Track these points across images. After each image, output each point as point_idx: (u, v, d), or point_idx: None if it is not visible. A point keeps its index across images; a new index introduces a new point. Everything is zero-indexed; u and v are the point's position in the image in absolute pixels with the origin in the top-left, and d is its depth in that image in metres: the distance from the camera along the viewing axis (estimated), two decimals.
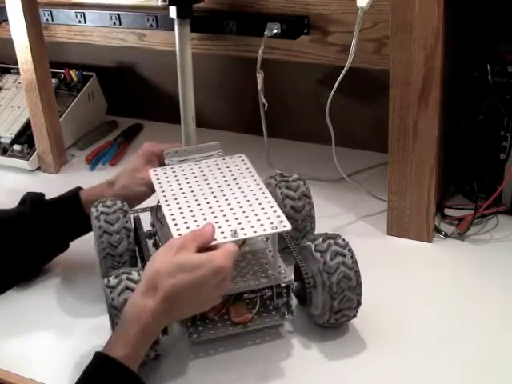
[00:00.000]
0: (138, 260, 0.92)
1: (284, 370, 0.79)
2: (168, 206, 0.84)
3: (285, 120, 1.31)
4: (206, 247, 0.76)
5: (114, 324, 0.76)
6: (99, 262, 0.91)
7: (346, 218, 0.94)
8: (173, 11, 1.02)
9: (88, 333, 0.87)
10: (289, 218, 0.89)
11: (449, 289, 0.91)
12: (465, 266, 0.95)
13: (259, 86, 1.11)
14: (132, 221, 0.94)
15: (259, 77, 1.10)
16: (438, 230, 1.02)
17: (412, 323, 0.85)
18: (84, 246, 0.98)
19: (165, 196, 0.86)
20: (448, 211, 1.06)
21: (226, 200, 0.84)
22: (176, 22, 1.02)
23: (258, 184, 0.87)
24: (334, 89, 0.99)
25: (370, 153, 1.23)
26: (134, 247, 0.90)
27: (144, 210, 0.90)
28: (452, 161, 1.07)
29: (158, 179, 0.90)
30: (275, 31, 1.12)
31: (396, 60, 0.90)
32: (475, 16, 0.99)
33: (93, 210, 0.91)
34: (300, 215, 0.92)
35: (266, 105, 1.13)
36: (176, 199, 0.85)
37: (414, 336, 0.83)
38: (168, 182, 0.89)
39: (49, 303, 0.94)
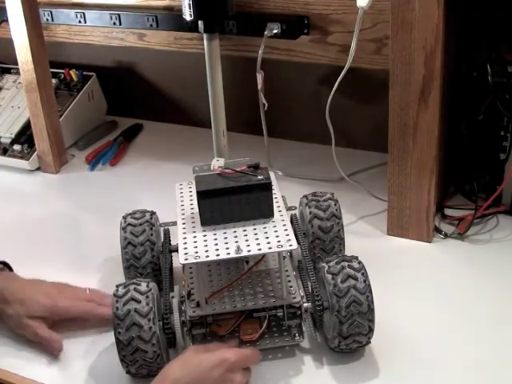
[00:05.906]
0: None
1: None
2: (183, 224, 0.84)
3: (285, 120, 1.31)
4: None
5: (116, 332, 0.75)
6: (123, 272, 0.91)
7: (346, 218, 0.93)
8: (200, 25, 0.98)
9: (90, 334, 0.87)
10: (316, 238, 0.89)
11: (449, 289, 0.91)
12: (465, 266, 0.95)
13: (259, 86, 1.11)
14: (162, 234, 0.94)
15: (259, 77, 1.10)
16: (438, 230, 1.02)
17: (411, 323, 0.85)
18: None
19: (183, 212, 0.87)
20: (448, 211, 1.06)
21: None
22: (205, 37, 0.99)
23: (278, 202, 0.86)
24: (334, 89, 0.99)
25: (370, 153, 1.23)
26: (157, 260, 0.90)
27: (174, 223, 0.91)
28: (452, 161, 1.07)
29: (181, 193, 0.91)
30: (275, 31, 1.12)
31: (396, 60, 0.90)
32: (475, 16, 0.99)
33: (122, 220, 0.92)
34: (328, 236, 0.90)
35: (266, 105, 1.13)
36: (193, 218, 0.85)
37: (413, 335, 0.83)
38: (190, 196, 0.90)
39: None
